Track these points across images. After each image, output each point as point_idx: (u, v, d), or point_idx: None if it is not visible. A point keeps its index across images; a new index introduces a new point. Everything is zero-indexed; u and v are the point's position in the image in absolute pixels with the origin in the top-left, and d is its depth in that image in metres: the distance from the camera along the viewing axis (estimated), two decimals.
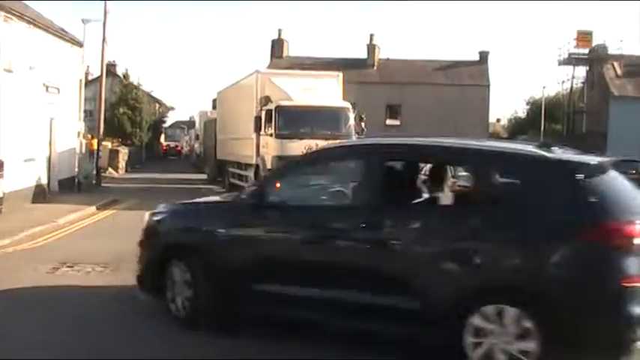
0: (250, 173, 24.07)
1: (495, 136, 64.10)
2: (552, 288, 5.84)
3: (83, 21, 27.08)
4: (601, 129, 47.41)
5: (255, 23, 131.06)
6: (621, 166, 7.03)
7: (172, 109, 66.08)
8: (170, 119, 71.76)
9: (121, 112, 51.35)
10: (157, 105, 61.38)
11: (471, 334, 5.97)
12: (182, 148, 72.48)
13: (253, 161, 23.38)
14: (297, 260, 7.09)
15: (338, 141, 18.99)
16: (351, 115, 22.09)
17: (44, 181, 22.42)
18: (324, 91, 22.74)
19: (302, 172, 8.11)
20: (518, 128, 66.67)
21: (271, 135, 21.43)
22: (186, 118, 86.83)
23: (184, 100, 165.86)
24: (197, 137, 45.09)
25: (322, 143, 19.45)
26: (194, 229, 7.76)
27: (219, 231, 7.50)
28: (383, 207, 6.78)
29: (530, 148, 6.88)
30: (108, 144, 38.96)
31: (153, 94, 59.82)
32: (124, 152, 44.04)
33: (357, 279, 6.64)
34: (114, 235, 14.44)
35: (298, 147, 19.59)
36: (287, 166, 9.81)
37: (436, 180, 7.66)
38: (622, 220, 5.90)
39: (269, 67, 43.07)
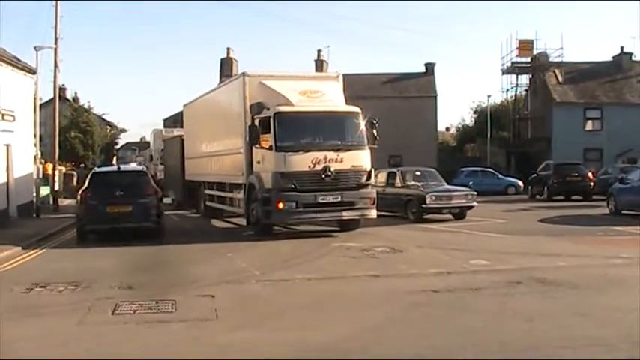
0: (239, 195, 20.32)
1: (445, 145, 65.50)
2: None
3: (36, 48, 27.21)
4: (545, 134, 48.87)
5: (202, 43, 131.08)
6: None
7: (124, 130, 65.96)
8: (122, 141, 71.52)
9: (73, 136, 51.41)
10: (109, 128, 61.34)
11: None
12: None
13: (243, 180, 19.43)
14: None
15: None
16: (362, 122, 18.71)
17: (3, 207, 22.63)
18: (328, 94, 18.98)
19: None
20: (466, 137, 68.02)
21: (270, 148, 17.74)
22: (137, 140, 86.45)
23: (132, 121, 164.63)
24: (151, 158, 43.32)
25: (332, 155, 17.70)
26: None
27: None
28: None
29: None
30: (62, 168, 38.95)
31: (104, 117, 59.92)
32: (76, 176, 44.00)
33: None
34: (79, 258, 15.18)
35: (304, 161, 17.55)
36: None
37: None
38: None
39: None
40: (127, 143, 79.51)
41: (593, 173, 35.76)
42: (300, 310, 9.45)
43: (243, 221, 20.96)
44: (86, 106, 56.28)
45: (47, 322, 8.95)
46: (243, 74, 19.54)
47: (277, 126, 17.65)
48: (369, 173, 18.45)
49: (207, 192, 24.14)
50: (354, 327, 8.32)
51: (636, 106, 47.14)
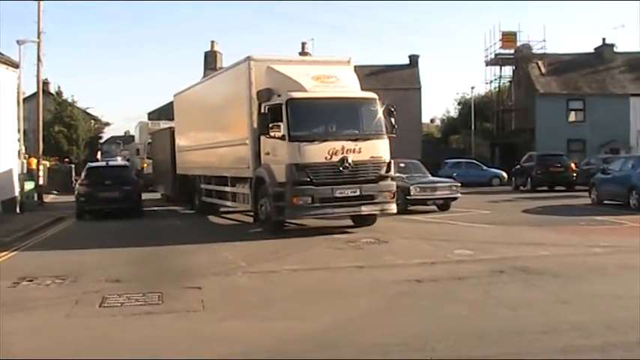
0: (244, 189, 19.07)
1: (430, 137, 65.75)
2: None
3: (19, 42, 27.17)
4: (529, 125, 49.19)
5: (185, 37, 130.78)
6: None
7: (108, 124, 65.74)
8: (105, 135, 71.27)
9: (57, 131, 51.20)
10: (93, 121, 61.15)
11: None
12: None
13: (250, 173, 18.08)
14: None
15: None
16: (380, 108, 17.44)
17: None
18: (342, 79, 17.63)
19: None
20: (450, 128, 68.31)
21: (282, 138, 16.36)
22: (121, 133, 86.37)
23: (115, 115, 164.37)
24: (138, 152, 42.83)
25: (349, 145, 16.42)
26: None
27: None
28: None
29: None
30: (46, 163, 38.84)
31: (88, 111, 59.77)
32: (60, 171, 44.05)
33: None
34: (65, 252, 15.25)
35: (320, 151, 16.22)
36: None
37: None
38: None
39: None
40: (112, 137, 79.33)
41: (575, 164, 36.13)
42: (286, 300, 9.56)
43: (244, 217, 20.72)
44: (70, 100, 56.04)
45: (36, 315, 9.00)
46: (249, 58, 17.97)
47: (290, 113, 16.32)
48: (389, 164, 17.14)
49: (204, 186, 22.96)
50: (339, 316, 8.43)
51: (618, 97, 47.61)
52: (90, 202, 23.35)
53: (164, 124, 34.00)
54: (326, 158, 16.22)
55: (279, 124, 16.44)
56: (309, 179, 16.15)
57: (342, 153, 16.28)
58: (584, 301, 8.96)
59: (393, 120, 17.75)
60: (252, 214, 19.22)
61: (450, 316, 8.33)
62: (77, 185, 25.14)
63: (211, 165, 21.88)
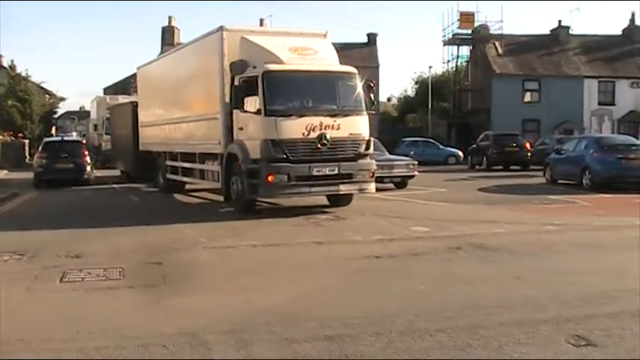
0: (213, 166, 18.24)
1: (387, 115, 66.05)
2: None
3: None
4: (485, 105, 49.77)
5: (141, 13, 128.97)
6: None
7: (63, 99, 64.59)
8: (60, 110, 70.17)
9: (10, 105, 50.29)
10: (48, 96, 60.14)
11: None
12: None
13: (221, 149, 17.24)
14: None
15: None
16: (359, 83, 16.66)
17: None
18: (320, 52, 16.79)
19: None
20: (407, 107, 68.65)
21: (257, 112, 15.48)
22: (76, 109, 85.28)
23: (70, 90, 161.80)
24: (95, 127, 42.02)
25: (328, 121, 15.64)
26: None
27: None
28: None
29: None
30: (0, 137, 38.30)
31: (43, 85, 58.78)
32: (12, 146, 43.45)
33: None
34: (23, 228, 14.98)
35: (297, 127, 15.43)
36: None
37: None
38: None
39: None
40: (66, 112, 78.22)
41: (530, 144, 36.76)
42: (247, 275, 9.64)
43: (213, 195, 20.45)
44: (24, 75, 55.04)
45: None
46: (221, 28, 16.99)
47: (267, 87, 15.42)
48: (368, 142, 16.42)
49: (170, 163, 21.99)
50: (299, 291, 8.55)
51: (573, 79, 48.45)
52: (47, 172, 26.29)
53: (123, 99, 33.48)
54: (303, 134, 15.48)
55: (253, 98, 15.70)
56: (285, 156, 15.39)
57: (320, 129, 15.51)
58: (538, 276, 9.22)
59: (372, 95, 17.14)
60: (221, 192, 18.47)
61: (408, 291, 8.51)
62: (35, 157, 28.32)
63: (178, 141, 20.98)
